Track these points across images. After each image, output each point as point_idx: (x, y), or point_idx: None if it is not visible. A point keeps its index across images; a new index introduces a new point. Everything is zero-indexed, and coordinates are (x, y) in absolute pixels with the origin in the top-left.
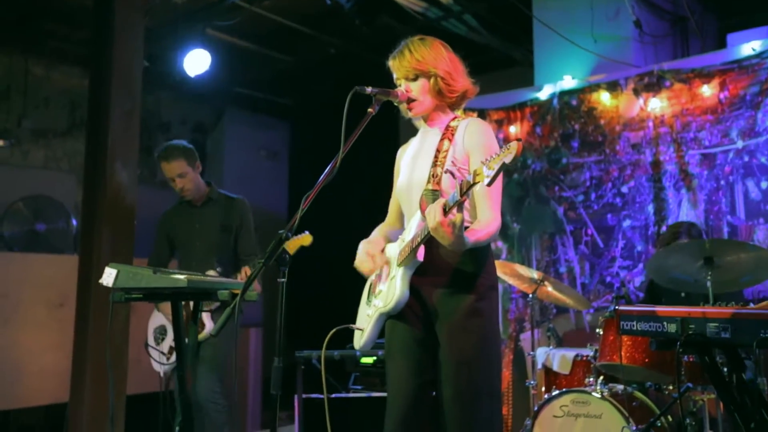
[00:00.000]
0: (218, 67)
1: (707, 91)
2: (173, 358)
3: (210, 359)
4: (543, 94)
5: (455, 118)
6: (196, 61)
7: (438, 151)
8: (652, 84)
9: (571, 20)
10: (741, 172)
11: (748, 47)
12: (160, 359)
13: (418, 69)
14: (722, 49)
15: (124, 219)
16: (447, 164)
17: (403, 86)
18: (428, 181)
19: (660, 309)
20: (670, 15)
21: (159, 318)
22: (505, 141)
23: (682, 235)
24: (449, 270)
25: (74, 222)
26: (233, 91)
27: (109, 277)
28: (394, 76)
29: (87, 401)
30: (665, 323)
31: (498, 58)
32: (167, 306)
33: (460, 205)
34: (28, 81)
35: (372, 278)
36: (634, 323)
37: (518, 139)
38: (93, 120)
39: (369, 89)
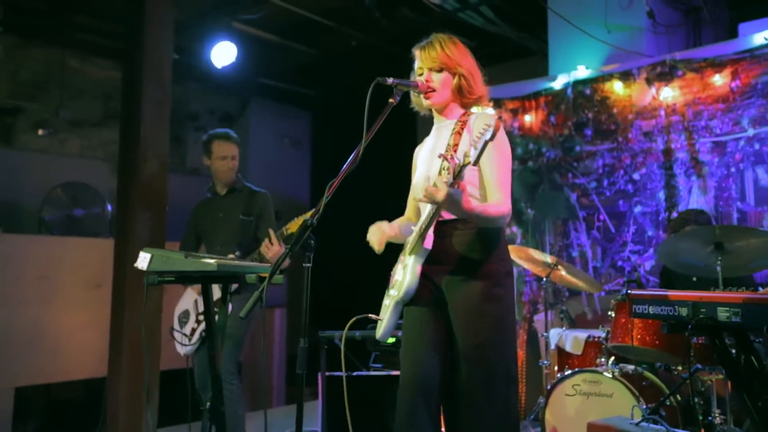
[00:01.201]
0: (244, 59)
1: (719, 80)
2: (194, 339)
3: (234, 340)
4: (557, 84)
5: (466, 113)
6: (223, 53)
7: (449, 145)
8: (665, 73)
9: (584, 11)
10: (751, 160)
11: (760, 36)
12: (183, 341)
13: (445, 63)
14: (734, 39)
15: (156, 204)
16: (453, 158)
17: (424, 76)
18: (440, 174)
19: (672, 293)
20: (683, 5)
21: (184, 303)
22: (521, 129)
23: (690, 222)
24: (461, 258)
25: (109, 207)
26: (258, 81)
27: (143, 261)
28: (417, 65)
29: (124, 376)
30: (677, 307)
31: (513, 49)
32: (198, 288)
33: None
34: (65, 74)
35: (393, 270)
36: (647, 307)
37: (499, 117)
38: (126, 111)
39: (390, 80)
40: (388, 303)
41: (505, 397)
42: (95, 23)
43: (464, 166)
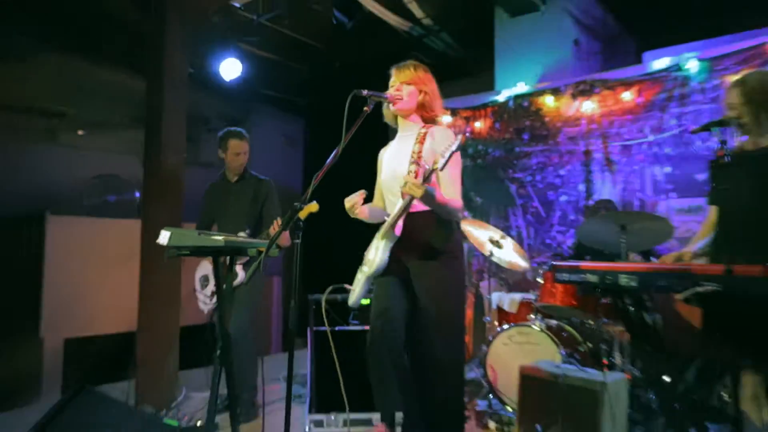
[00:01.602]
0: (247, 73)
1: (627, 96)
2: (214, 299)
3: (242, 302)
4: (501, 97)
5: (425, 126)
6: (230, 68)
7: (413, 152)
8: (586, 90)
9: (524, 39)
10: (650, 160)
11: (658, 63)
12: (205, 301)
13: (415, 80)
14: (639, 64)
15: (175, 192)
16: (422, 162)
17: (395, 87)
18: (408, 174)
19: (585, 264)
20: (601, 36)
21: (203, 269)
22: (472, 134)
23: (602, 209)
24: (425, 240)
25: (137, 194)
26: (259, 92)
27: (164, 237)
28: (391, 80)
29: (151, 330)
30: (588, 275)
31: (466, 68)
32: (210, 258)
33: (427, 180)
34: (100, 85)
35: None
36: (566, 275)
37: (463, 132)
38: (150, 115)
39: (365, 92)
40: (360, 277)
41: (455, 342)
42: (125, 43)
43: (433, 170)
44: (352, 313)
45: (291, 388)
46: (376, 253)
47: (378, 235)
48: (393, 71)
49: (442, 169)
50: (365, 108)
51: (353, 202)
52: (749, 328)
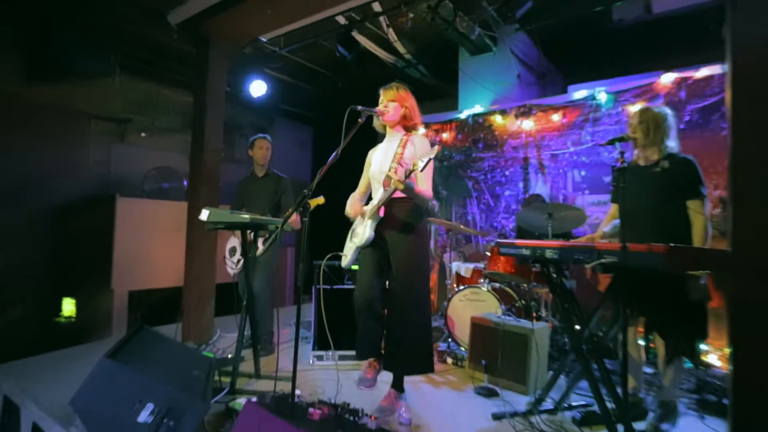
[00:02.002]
0: (271, 91)
1: (556, 117)
2: (240, 265)
3: (262, 266)
4: (463, 115)
5: (407, 134)
6: (257, 88)
7: (396, 153)
8: (525, 112)
9: (481, 71)
10: (571, 165)
11: (578, 93)
12: (232, 266)
13: (397, 98)
14: (565, 94)
15: (213, 181)
16: (401, 161)
17: (383, 104)
18: (389, 170)
19: (521, 242)
20: (537, 72)
21: (231, 242)
22: (441, 142)
23: (534, 201)
24: (401, 221)
25: (185, 183)
26: (279, 106)
27: (204, 215)
28: (380, 99)
29: (194, 285)
30: (523, 250)
31: (437, 93)
32: (239, 233)
33: (408, 176)
34: (159, 99)
35: (353, 227)
36: (508, 249)
37: (439, 143)
38: (196, 123)
39: (359, 107)
40: (351, 246)
41: (422, 301)
42: (177, 67)
43: (413, 170)
44: (345, 276)
45: (299, 331)
46: (365, 230)
47: (366, 215)
48: (381, 91)
49: (422, 170)
50: (359, 120)
51: (357, 212)
52: (636, 290)
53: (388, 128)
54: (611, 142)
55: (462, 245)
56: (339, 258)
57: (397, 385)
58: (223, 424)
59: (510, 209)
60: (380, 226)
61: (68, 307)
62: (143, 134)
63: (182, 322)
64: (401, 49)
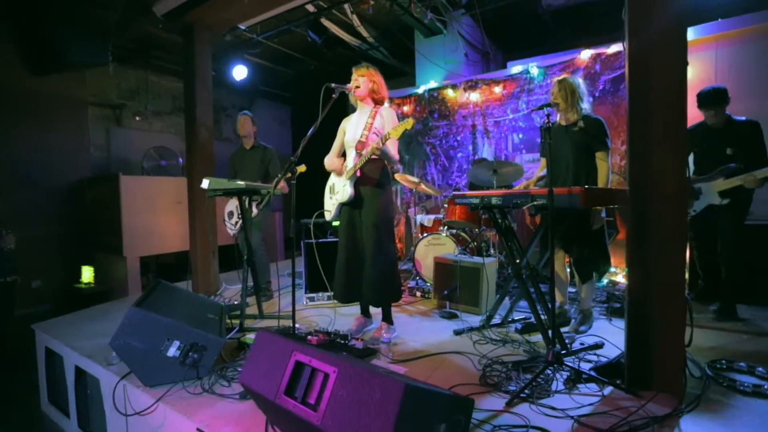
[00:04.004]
0: (251, 75)
1: (497, 90)
2: (237, 227)
3: (257, 227)
4: (420, 90)
5: (375, 106)
6: (239, 72)
7: (366, 123)
8: (472, 86)
9: (434, 52)
10: (511, 130)
11: (515, 69)
12: (231, 228)
13: (367, 74)
14: (504, 69)
15: (207, 155)
16: (372, 130)
17: (355, 80)
18: (361, 137)
19: (470, 192)
20: (481, 51)
21: (228, 206)
22: (403, 115)
23: (482, 161)
24: (373, 181)
25: (180, 160)
26: (259, 88)
27: (205, 183)
28: (353, 75)
29: (198, 247)
30: (473, 199)
31: (398, 71)
32: (236, 198)
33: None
34: (149, 85)
35: (331, 184)
36: (462, 200)
37: (402, 115)
38: (187, 106)
39: (333, 85)
40: (334, 202)
41: (389, 249)
42: (165, 55)
43: (387, 138)
44: (328, 231)
45: (295, 278)
46: (345, 188)
47: (343, 176)
48: (353, 70)
49: (398, 138)
50: (333, 96)
51: (336, 168)
52: (560, 224)
53: (359, 102)
54: (540, 107)
55: (424, 200)
56: (323, 215)
57: (387, 318)
58: (237, 354)
59: (462, 168)
60: (358, 186)
61: (87, 274)
62: (137, 118)
63: (191, 280)
64: (364, 33)
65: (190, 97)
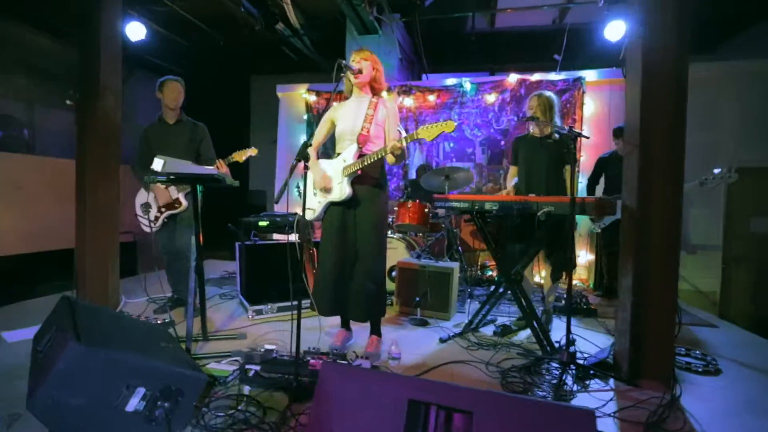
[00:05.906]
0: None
1: (431, 98)
2: (158, 223)
3: (186, 224)
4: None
5: (374, 96)
6: (135, 30)
7: (367, 114)
8: (407, 91)
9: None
10: (443, 138)
11: (450, 81)
12: (147, 224)
13: (372, 60)
14: (437, 79)
15: (112, 131)
16: (373, 122)
17: (356, 62)
18: (362, 129)
19: (452, 196)
20: (412, 59)
21: (141, 198)
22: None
23: (427, 170)
24: (372, 181)
25: (25, 132)
26: (144, 57)
27: (158, 164)
28: (355, 58)
29: (90, 248)
30: (461, 203)
31: (315, 65)
32: (155, 187)
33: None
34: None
35: (315, 179)
36: (443, 203)
37: (454, 121)
38: (86, 63)
39: (344, 62)
40: (321, 201)
41: (384, 255)
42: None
43: (414, 138)
44: (251, 232)
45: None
46: (342, 186)
47: (341, 173)
48: (353, 53)
49: (431, 140)
50: (341, 74)
51: (327, 184)
52: (529, 229)
53: (355, 89)
54: (527, 119)
55: None
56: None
57: (376, 331)
58: (207, 393)
59: (393, 172)
60: (354, 185)
61: None
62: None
63: (78, 290)
64: (291, 17)
65: (89, 53)
